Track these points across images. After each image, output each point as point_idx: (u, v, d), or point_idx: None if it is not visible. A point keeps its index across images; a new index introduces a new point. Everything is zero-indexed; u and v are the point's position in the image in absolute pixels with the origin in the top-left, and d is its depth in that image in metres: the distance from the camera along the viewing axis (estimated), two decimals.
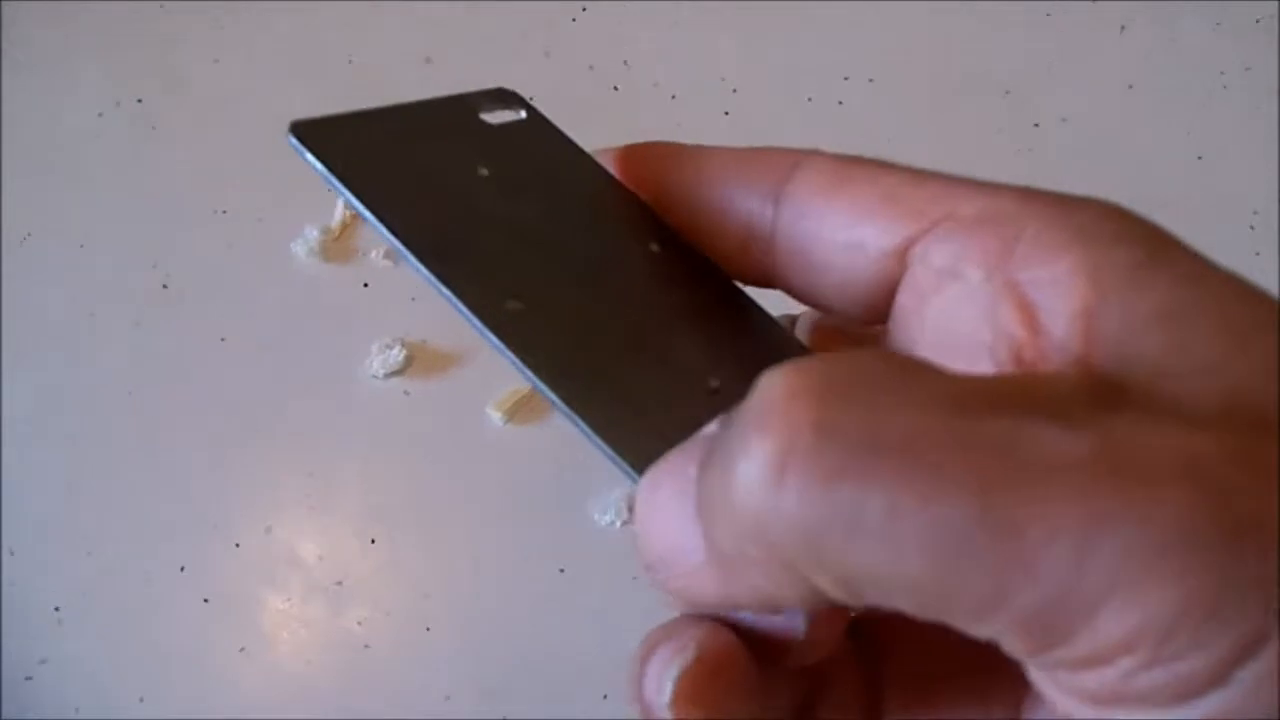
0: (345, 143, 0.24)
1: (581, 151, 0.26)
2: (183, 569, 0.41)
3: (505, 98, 0.27)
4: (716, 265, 0.24)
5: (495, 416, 0.41)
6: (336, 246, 0.43)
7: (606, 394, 0.22)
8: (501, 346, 0.22)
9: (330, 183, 0.23)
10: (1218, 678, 0.15)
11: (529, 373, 0.21)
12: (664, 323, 0.24)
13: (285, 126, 0.40)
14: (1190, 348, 0.17)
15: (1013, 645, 0.16)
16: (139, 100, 0.47)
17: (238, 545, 0.41)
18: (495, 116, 0.26)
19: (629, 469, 0.21)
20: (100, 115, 0.47)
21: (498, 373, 0.42)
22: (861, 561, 0.15)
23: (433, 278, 0.22)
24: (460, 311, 0.22)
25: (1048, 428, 0.16)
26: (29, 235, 0.45)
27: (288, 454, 0.42)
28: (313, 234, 0.43)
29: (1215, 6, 0.51)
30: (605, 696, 0.38)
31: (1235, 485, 0.15)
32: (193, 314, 0.43)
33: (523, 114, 0.26)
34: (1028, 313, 0.19)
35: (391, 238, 0.22)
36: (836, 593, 0.16)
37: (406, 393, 0.42)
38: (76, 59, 0.49)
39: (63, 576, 0.41)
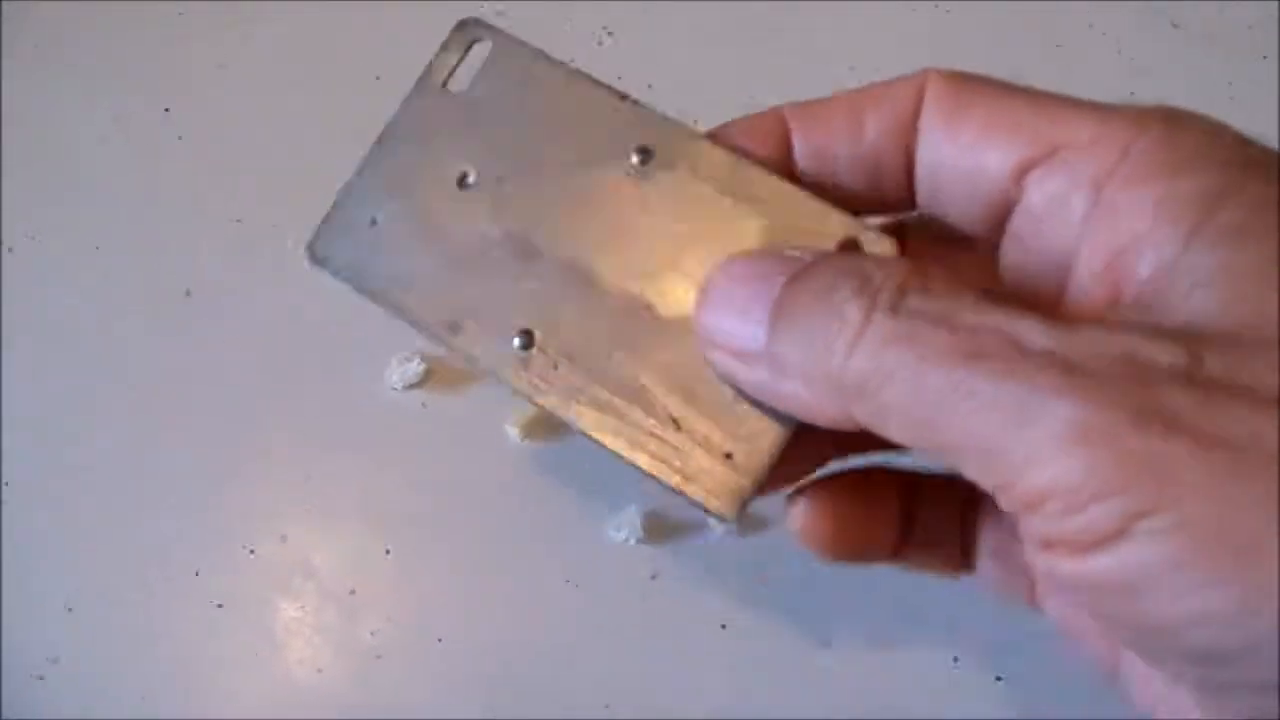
0: (347, 243, 0.28)
1: (552, 64, 0.27)
2: (197, 573, 0.41)
3: (466, 30, 0.28)
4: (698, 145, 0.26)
5: (512, 433, 0.42)
6: None
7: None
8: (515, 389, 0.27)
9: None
10: (1120, 531, 0.18)
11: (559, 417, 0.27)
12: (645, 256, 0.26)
13: (304, 136, 0.41)
14: (1222, 286, 0.20)
15: (981, 483, 0.20)
16: (166, 109, 0.48)
17: (252, 552, 0.41)
18: (463, 75, 0.28)
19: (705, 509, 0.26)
20: (116, 119, 0.48)
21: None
22: (891, 401, 0.20)
23: (455, 352, 0.27)
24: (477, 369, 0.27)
25: (1035, 327, 0.20)
26: (35, 236, 0.45)
27: (304, 462, 0.42)
28: None
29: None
30: (607, 705, 0.39)
31: (1157, 384, 0.19)
32: (212, 321, 0.44)
33: (489, 43, 0.28)
34: (1115, 238, 0.22)
35: (412, 324, 0.28)
36: (868, 420, 0.21)
37: (424, 405, 0.42)
38: (95, 64, 0.49)
39: (76, 577, 0.41)
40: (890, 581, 0.40)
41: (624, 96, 0.26)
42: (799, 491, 0.27)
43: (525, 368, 0.26)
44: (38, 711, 0.40)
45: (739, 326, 0.23)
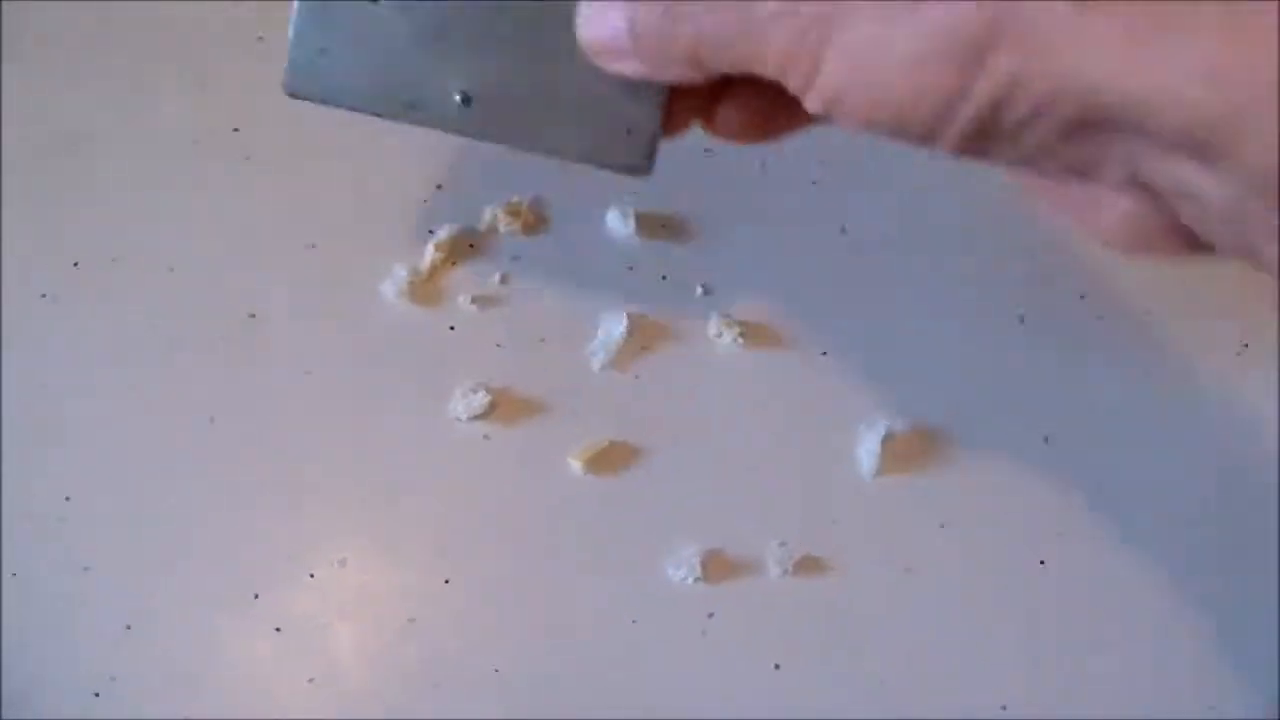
0: (312, 75, 0.35)
1: None
2: (256, 596, 0.41)
3: None
4: None
5: (575, 466, 0.42)
6: (425, 288, 0.44)
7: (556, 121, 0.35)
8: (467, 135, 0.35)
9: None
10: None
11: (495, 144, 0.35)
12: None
13: (376, 162, 0.41)
14: None
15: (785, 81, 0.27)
16: (234, 130, 0.48)
17: (312, 576, 0.41)
18: None
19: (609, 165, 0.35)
20: (195, 142, 0.48)
21: (580, 423, 0.43)
22: (709, 31, 0.27)
23: (419, 124, 0.36)
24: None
25: None
26: (116, 260, 0.46)
27: (366, 489, 0.42)
28: (401, 274, 0.44)
29: None
30: None
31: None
32: (278, 346, 0.44)
33: None
34: None
35: (381, 116, 0.36)
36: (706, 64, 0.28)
37: (487, 437, 0.43)
38: (172, 84, 0.49)
39: (136, 595, 0.41)
40: (945, 626, 0.40)
41: None
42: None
43: (469, 118, 0.35)
44: None
45: (607, 31, 0.29)
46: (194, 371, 0.44)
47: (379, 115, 0.36)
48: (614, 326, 0.43)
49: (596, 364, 0.43)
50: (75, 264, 0.46)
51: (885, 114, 0.25)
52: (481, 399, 0.42)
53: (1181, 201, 0.25)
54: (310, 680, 0.40)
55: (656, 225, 0.45)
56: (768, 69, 0.27)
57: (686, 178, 0.46)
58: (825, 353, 0.44)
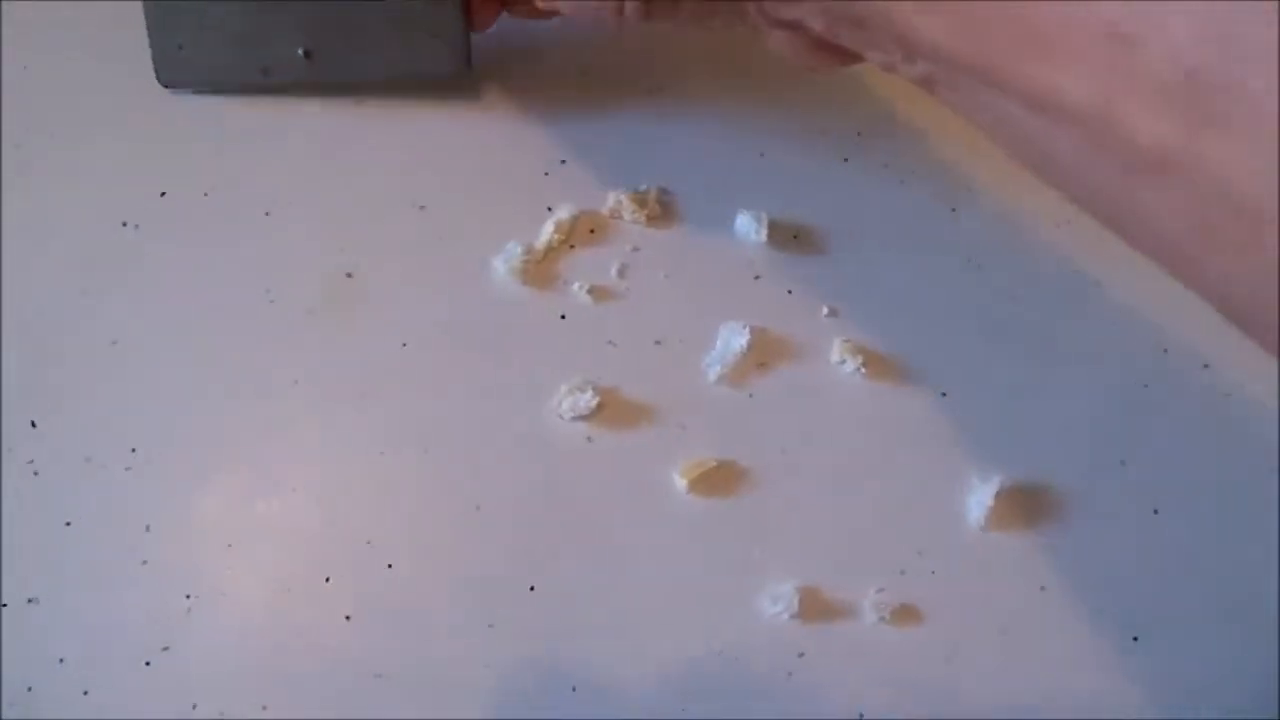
0: (178, 66, 0.43)
1: None
2: (328, 579, 0.39)
3: None
4: None
5: (678, 482, 0.40)
6: (538, 270, 0.41)
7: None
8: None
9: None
10: None
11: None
12: None
13: (499, 127, 0.45)
14: None
15: None
16: None
17: (390, 566, 0.39)
18: None
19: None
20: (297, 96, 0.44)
21: (687, 437, 0.40)
22: None
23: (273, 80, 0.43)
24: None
25: None
26: (208, 194, 0.42)
27: (456, 478, 0.39)
28: (515, 251, 0.41)
29: None
30: None
31: None
32: (374, 311, 0.41)
33: None
34: None
35: (243, 87, 0.43)
36: None
37: (589, 439, 0.40)
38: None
39: (200, 564, 0.38)
40: (1036, 692, 0.39)
41: None
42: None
43: (314, 68, 0.42)
44: (141, 699, 0.37)
45: None
46: (280, 329, 0.41)
47: (243, 89, 0.43)
48: (734, 338, 0.41)
49: (712, 375, 0.40)
50: (162, 194, 0.42)
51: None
52: (589, 399, 0.40)
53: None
54: (378, 675, 0.38)
55: (788, 235, 0.42)
56: None
57: (822, 187, 0.43)
58: (945, 394, 0.42)
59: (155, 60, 0.42)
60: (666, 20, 0.33)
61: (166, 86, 0.43)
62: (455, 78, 0.43)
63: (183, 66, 0.42)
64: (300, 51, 0.42)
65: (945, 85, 0.29)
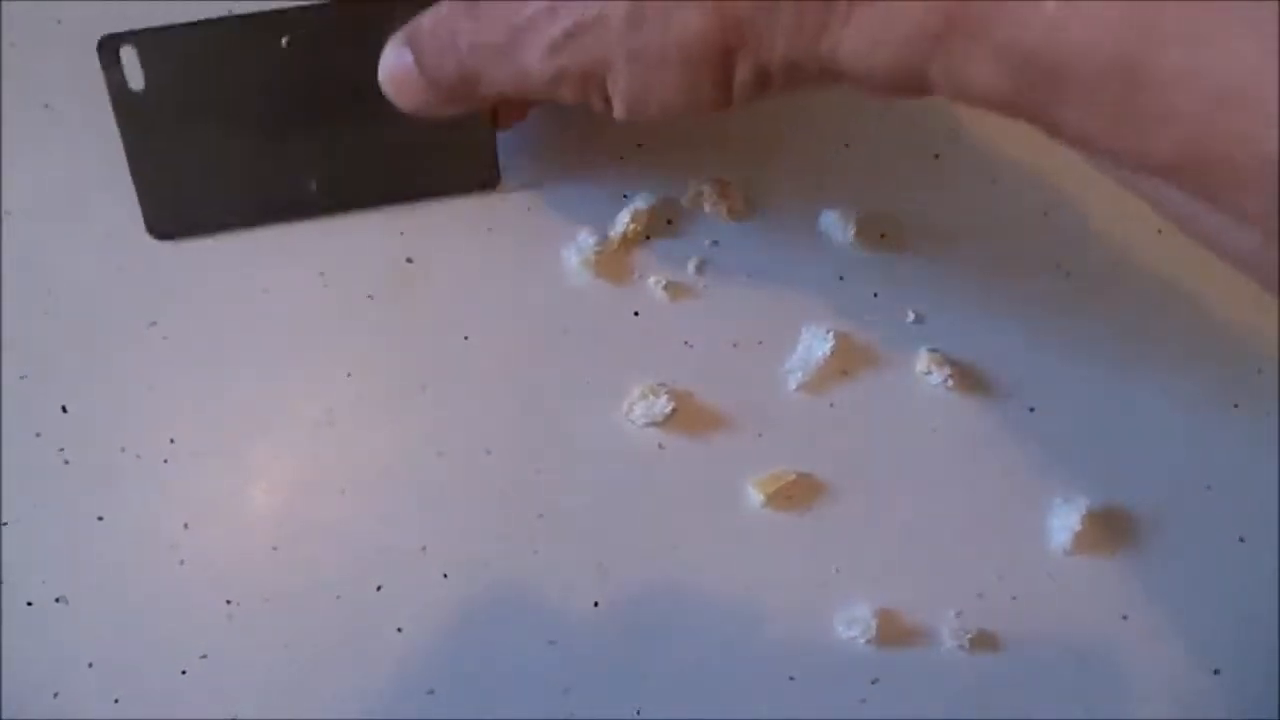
0: (167, 214, 0.38)
1: (183, 29, 0.35)
2: (379, 588, 0.36)
3: (106, 48, 0.36)
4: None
5: (754, 495, 0.37)
6: (612, 261, 0.38)
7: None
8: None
9: None
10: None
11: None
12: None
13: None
14: None
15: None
16: None
17: (445, 575, 0.36)
18: (134, 75, 0.36)
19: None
20: None
21: (764, 447, 0.38)
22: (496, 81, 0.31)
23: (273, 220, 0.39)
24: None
25: None
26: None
27: (518, 484, 0.37)
28: (589, 242, 0.38)
29: None
30: None
31: None
32: (435, 300, 0.38)
33: (130, 46, 0.36)
34: None
35: (249, 227, 0.39)
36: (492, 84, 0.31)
37: (661, 446, 0.38)
38: None
39: (242, 566, 0.36)
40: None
41: (247, 16, 0.35)
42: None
43: (329, 199, 0.38)
44: (175, 708, 0.35)
45: (401, 71, 0.32)
46: (334, 316, 0.38)
47: (248, 227, 0.38)
48: (817, 344, 0.38)
49: (792, 382, 0.38)
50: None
51: (678, 110, 0.29)
52: (663, 404, 0.37)
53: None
54: (430, 692, 0.35)
55: (875, 234, 0.40)
56: (566, 102, 0.30)
57: (910, 184, 0.41)
58: (1033, 409, 0.39)
59: (145, 211, 0.37)
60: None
61: (159, 238, 0.38)
62: (485, 190, 0.39)
63: (178, 214, 0.37)
64: (312, 184, 0.38)
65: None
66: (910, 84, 0.27)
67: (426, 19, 0.32)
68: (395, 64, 0.33)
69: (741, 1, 0.27)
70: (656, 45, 0.28)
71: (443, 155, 0.38)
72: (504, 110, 0.37)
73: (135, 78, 0.35)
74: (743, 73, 0.28)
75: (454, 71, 0.32)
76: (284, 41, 0.35)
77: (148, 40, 0.35)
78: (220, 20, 0.35)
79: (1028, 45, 0.24)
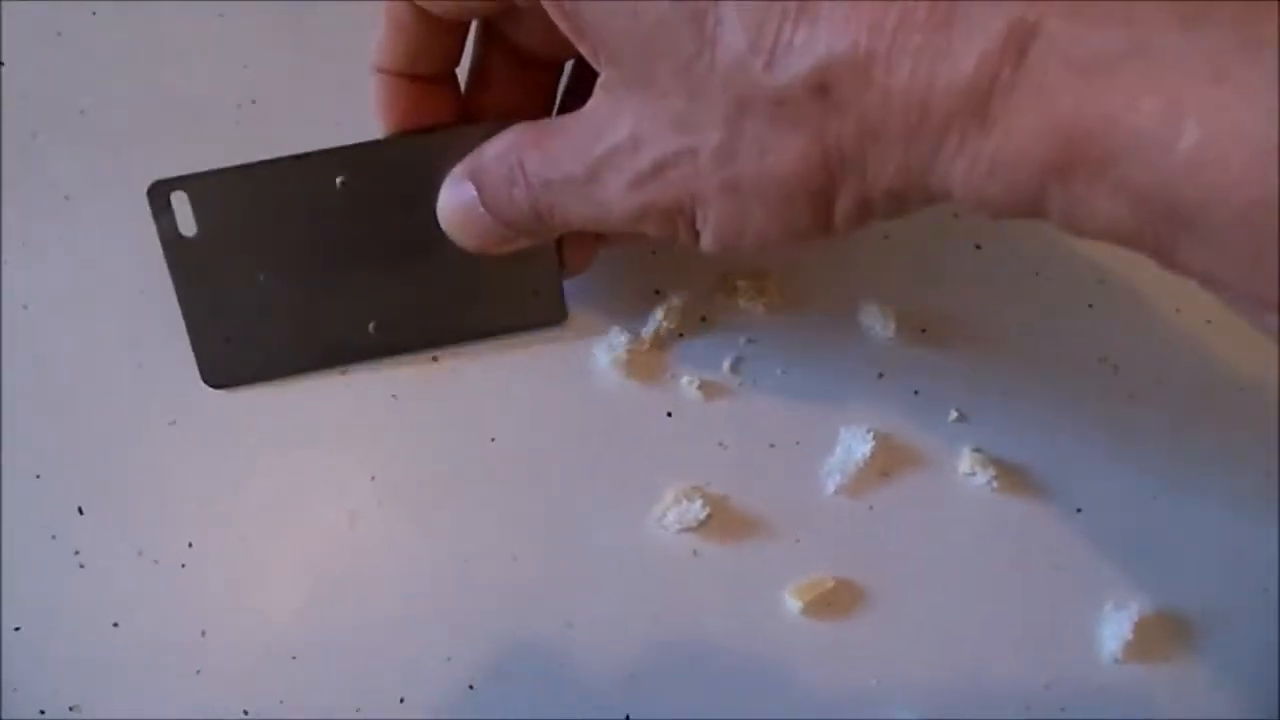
0: (226, 362, 0.37)
1: (235, 171, 0.34)
2: (402, 700, 0.35)
3: (157, 192, 0.34)
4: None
5: (791, 603, 0.36)
6: (644, 360, 0.37)
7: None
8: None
9: None
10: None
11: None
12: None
13: None
14: None
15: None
16: None
17: (471, 687, 0.35)
18: (186, 220, 0.35)
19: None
20: None
21: (802, 553, 0.36)
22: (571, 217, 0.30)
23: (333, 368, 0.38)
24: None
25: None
26: None
27: (546, 592, 0.36)
28: (620, 340, 0.37)
29: None
30: None
31: None
32: (461, 401, 0.37)
33: (181, 191, 0.34)
34: None
35: (306, 373, 0.38)
36: (550, 222, 0.31)
37: (695, 553, 0.36)
38: None
39: (260, 676, 0.35)
40: None
41: (299, 156, 0.34)
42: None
43: (389, 341, 0.37)
44: None
45: (463, 206, 0.32)
46: (357, 416, 0.37)
47: (305, 373, 0.37)
48: (857, 445, 0.37)
49: (831, 485, 0.37)
50: None
51: (776, 241, 0.28)
52: (698, 509, 0.36)
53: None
54: None
55: (916, 329, 0.38)
56: (650, 236, 0.29)
57: (951, 276, 0.40)
58: (1081, 510, 0.38)
59: (200, 360, 0.36)
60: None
61: (215, 388, 0.37)
62: (551, 327, 0.38)
63: (235, 363, 0.36)
64: (371, 326, 0.36)
65: None
66: (1025, 213, 0.25)
67: (490, 151, 0.31)
68: (456, 199, 0.32)
69: (845, 132, 0.25)
70: (752, 177, 0.26)
71: (506, 292, 0.36)
72: (570, 252, 0.36)
73: (187, 223, 0.34)
74: (844, 204, 0.27)
75: (524, 206, 0.30)
76: (338, 181, 0.34)
77: (198, 184, 0.34)
78: (272, 162, 0.34)
79: (1155, 185, 0.23)
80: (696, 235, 0.29)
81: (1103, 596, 0.38)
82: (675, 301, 0.38)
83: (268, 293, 0.35)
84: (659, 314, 0.38)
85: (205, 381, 0.36)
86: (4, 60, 0.40)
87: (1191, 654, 0.38)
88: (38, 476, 0.36)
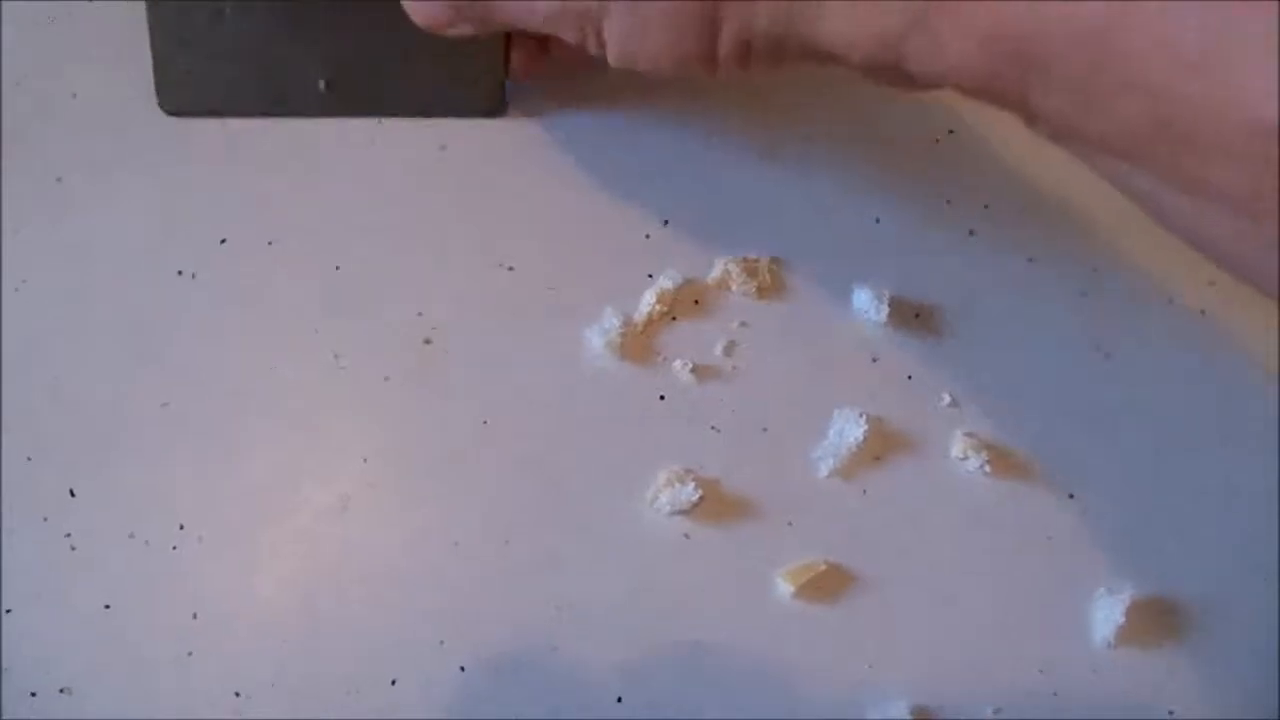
0: (183, 91, 0.39)
1: None
2: (394, 682, 0.35)
3: None
4: None
5: (784, 586, 0.36)
6: (637, 343, 0.37)
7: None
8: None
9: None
10: None
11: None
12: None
13: (594, 180, 0.41)
14: None
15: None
16: (442, 147, 0.40)
17: (463, 669, 0.35)
18: None
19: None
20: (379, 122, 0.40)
21: (794, 536, 0.36)
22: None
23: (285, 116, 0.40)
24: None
25: None
26: (273, 243, 0.38)
27: (538, 574, 0.36)
28: (613, 322, 0.37)
29: None
30: None
31: None
32: (454, 383, 0.37)
33: None
34: None
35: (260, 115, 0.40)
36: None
37: (687, 536, 0.36)
38: None
39: (252, 658, 0.35)
40: None
41: None
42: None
43: (335, 100, 0.39)
44: None
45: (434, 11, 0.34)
46: (349, 399, 0.37)
47: (251, 115, 0.39)
48: (849, 428, 0.37)
49: (823, 469, 0.37)
50: (222, 241, 0.38)
51: (666, 67, 0.31)
52: (689, 493, 0.36)
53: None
54: None
55: (909, 314, 0.38)
56: (569, 41, 0.32)
57: (944, 262, 0.40)
58: (1073, 495, 0.38)
59: (158, 84, 0.39)
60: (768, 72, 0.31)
61: (169, 113, 0.39)
62: (489, 117, 0.40)
63: (189, 91, 0.39)
64: (321, 83, 0.39)
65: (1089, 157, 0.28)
66: (888, 63, 0.27)
67: None
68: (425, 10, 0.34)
69: None
70: (645, 22, 0.29)
71: (452, 75, 0.38)
72: (517, 59, 0.38)
73: None
74: (726, 41, 0.29)
75: (489, 16, 0.33)
76: None
77: None
78: None
79: (1002, 19, 0.24)
80: (603, 47, 0.31)
81: (1095, 581, 0.38)
82: (668, 284, 0.38)
83: (230, 29, 0.37)
84: (651, 296, 0.38)
85: (161, 107, 0.39)
86: None
87: (1184, 639, 0.38)
88: (29, 458, 0.36)
